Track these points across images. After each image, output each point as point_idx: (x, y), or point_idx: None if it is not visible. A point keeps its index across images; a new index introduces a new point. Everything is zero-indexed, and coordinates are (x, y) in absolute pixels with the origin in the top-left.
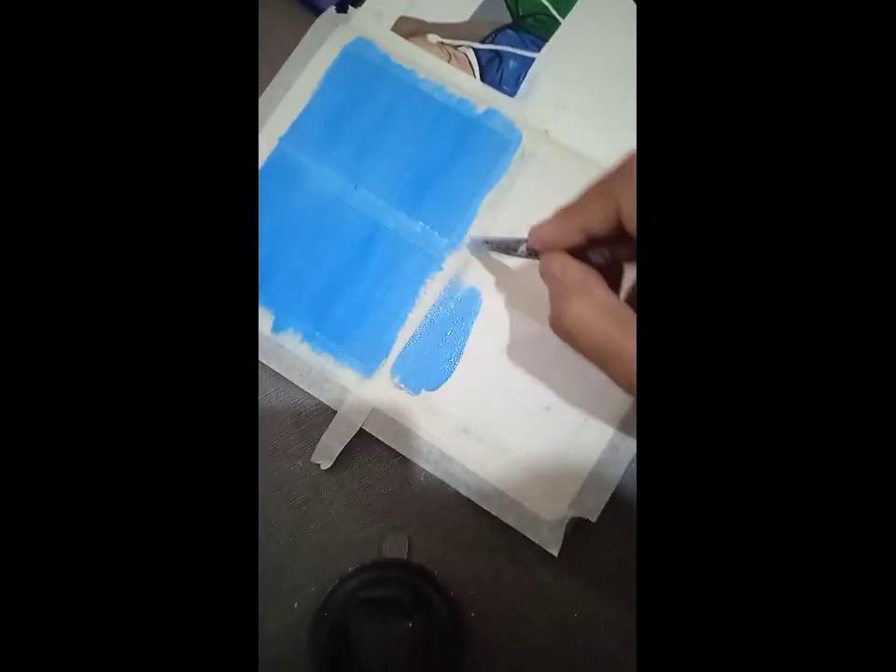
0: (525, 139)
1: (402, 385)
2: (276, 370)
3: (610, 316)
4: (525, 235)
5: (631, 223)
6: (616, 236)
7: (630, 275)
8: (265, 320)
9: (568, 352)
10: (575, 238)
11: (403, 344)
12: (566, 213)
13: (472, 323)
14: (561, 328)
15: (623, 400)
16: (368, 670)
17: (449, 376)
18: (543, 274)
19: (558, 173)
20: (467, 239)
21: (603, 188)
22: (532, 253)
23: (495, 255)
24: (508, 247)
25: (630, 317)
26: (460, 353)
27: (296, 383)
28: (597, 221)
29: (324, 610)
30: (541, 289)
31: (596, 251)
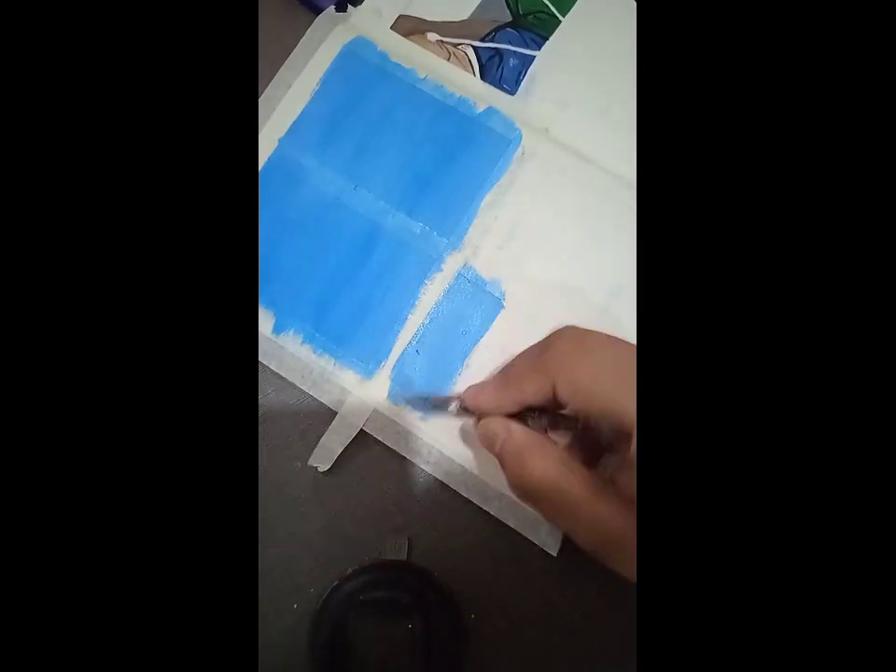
0: (525, 138)
1: (402, 387)
2: (277, 370)
3: (570, 470)
4: (446, 394)
5: (566, 398)
6: (552, 406)
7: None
8: (266, 321)
9: None
10: (512, 408)
11: (404, 346)
12: (502, 383)
13: (472, 324)
14: (523, 488)
15: None
16: (367, 671)
17: (449, 377)
18: (483, 437)
19: (558, 172)
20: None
21: (538, 363)
22: (463, 411)
23: (420, 413)
24: (436, 407)
25: (581, 470)
26: (460, 354)
27: (297, 384)
28: (533, 394)
29: (323, 612)
30: None
31: (534, 417)
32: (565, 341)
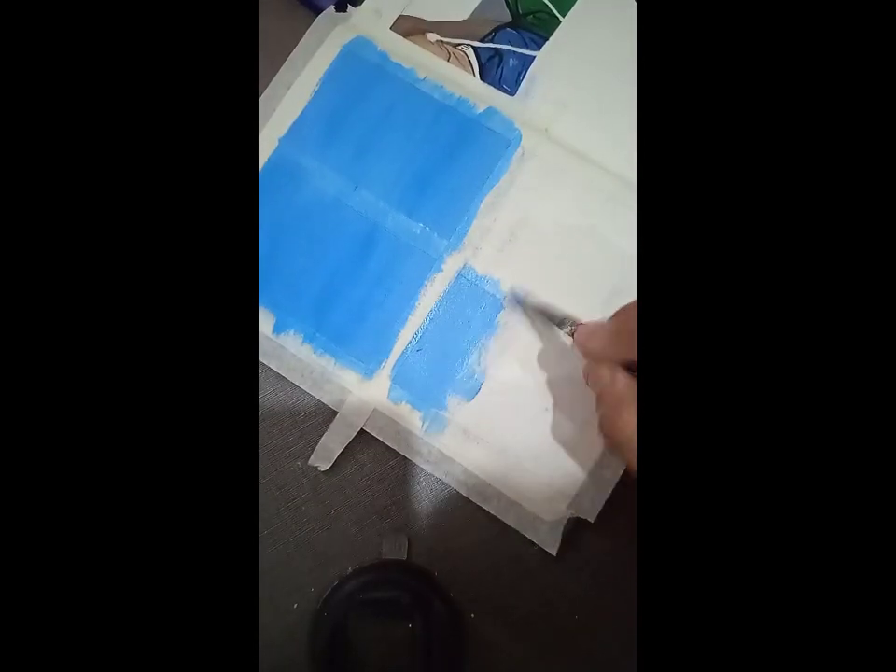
0: (525, 138)
1: (403, 387)
2: (277, 370)
3: None
4: (569, 312)
5: None
6: None
7: None
8: (266, 321)
9: (567, 354)
10: (619, 358)
11: (404, 346)
12: (615, 333)
13: (473, 324)
14: (614, 437)
15: None
16: (367, 671)
17: (449, 377)
18: (588, 378)
19: (558, 172)
20: (508, 293)
21: None
22: (573, 333)
23: (528, 317)
24: (551, 318)
25: None
26: (461, 354)
27: (297, 384)
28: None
29: (323, 611)
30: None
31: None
32: None
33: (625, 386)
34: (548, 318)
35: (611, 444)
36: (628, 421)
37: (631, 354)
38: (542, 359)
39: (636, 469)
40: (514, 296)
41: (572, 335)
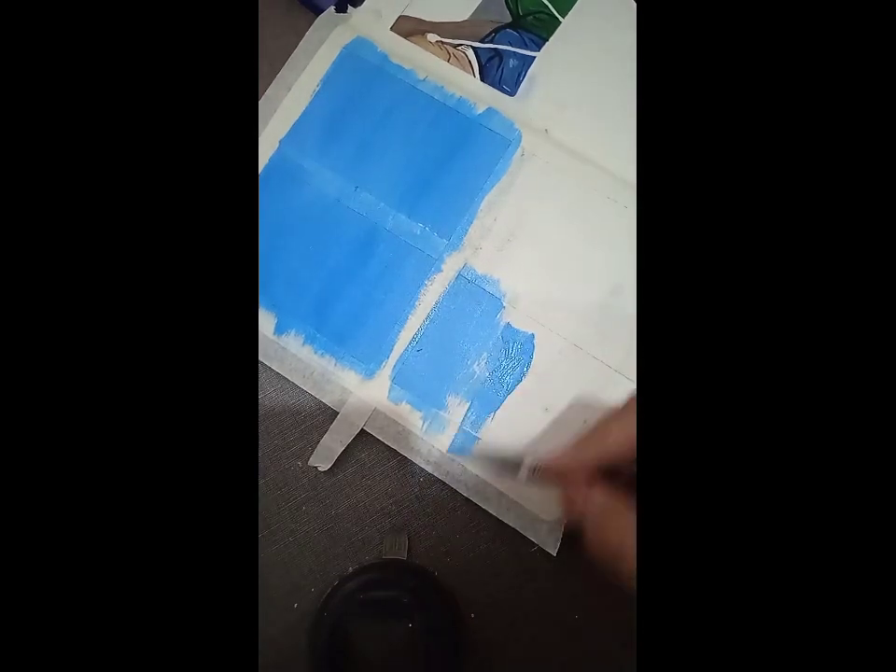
0: (525, 139)
1: (403, 387)
2: (279, 371)
3: None
4: (519, 456)
5: None
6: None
7: None
8: (267, 322)
9: (567, 352)
10: (593, 465)
11: (404, 346)
12: (585, 440)
13: (473, 324)
14: (604, 553)
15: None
16: (367, 671)
17: (450, 377)
18: (564, 503)
19: (558, 173)
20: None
21: (621, 414)
22: (533, 473)
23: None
24: (504, 470)
25: None
26: (461, 354)
27: (298, 384)
28: (618, 445)
29: (323, 611)
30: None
31: (618, 479)
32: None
33: (601, 499)
34: (501, 467)
35: (602, 562)
36: (616, 529)
37: (608, 451)
38: (542, 359)
39: (634, 579)
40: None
41: (532, 475)
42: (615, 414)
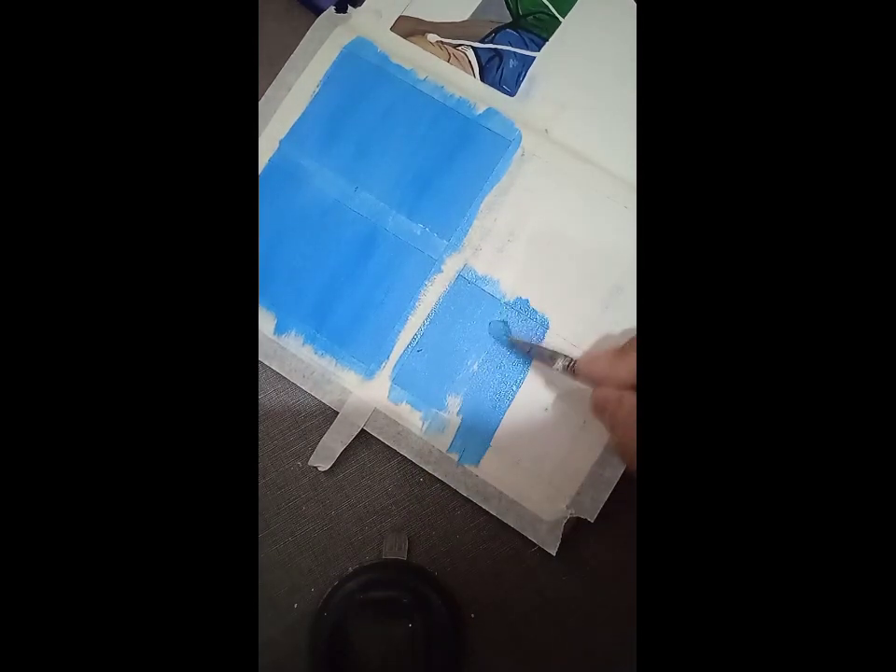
0: (525, 139)
1: (403, 387)
2: (279, 371)
3: None
4: (561, 350)
5: None
6: None
7: None
8: (267, 322)
9: (567, 353)
10: (627, 378)
11: (404, 346)
12: (621, 352)
13: (473, 325)
14: (633, 457)
15: None
16: (367, 671)
17: (449, 377)
18: (595, 404)
19: (558, 173)
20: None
21: None
22: (569, 372)
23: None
24: (541, 356)
25: None
26: (461, 354)
27: (298, 384)
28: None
29: (323, 611)
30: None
31: None
32: None
33: (633, 403)
34: (539, 356)
35: (632, 465)
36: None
37: (633, 375)
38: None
39: None
40: (498, 331)
41: (566, 370)
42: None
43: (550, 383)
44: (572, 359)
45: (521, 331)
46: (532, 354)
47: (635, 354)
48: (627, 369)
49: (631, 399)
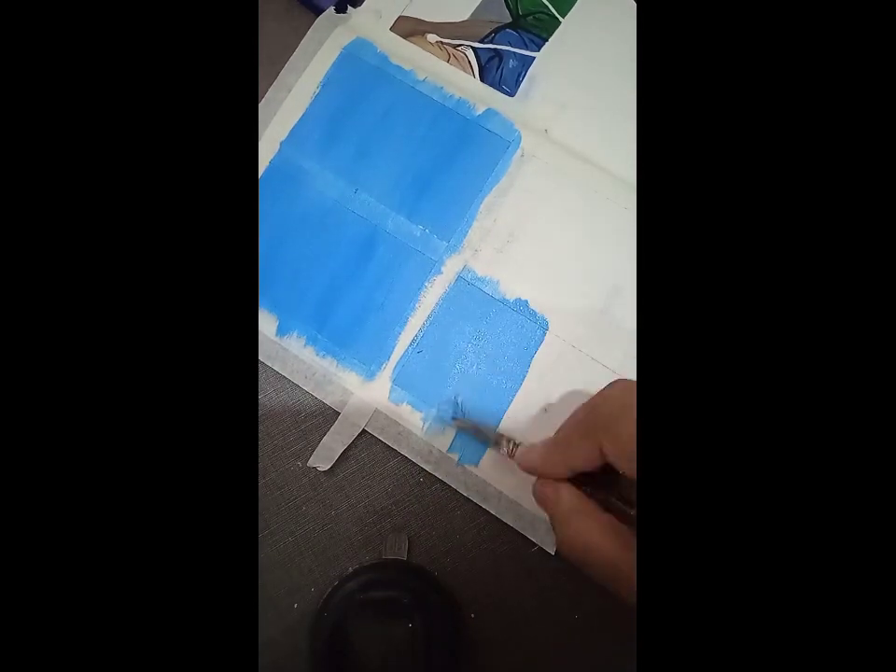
0: (525, 139)
1: (403, 388)
2: (280, 372)
3: (616, 535)
4: (498, 430)
5: (614, 460)
6: (603, 471)
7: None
8: (269, 323)
9: (566, 353)
10: (561, 473)
11: (404, 347)
12: (551, 448)
13: (473, 325)
14: (571, 552)
15: None
16: (367, 671)
17: (449, 378)
18: (536, 498)
19: (558, 173)
20: (443, 413)
21: (584, 427)
22: (511, 451)
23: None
24: (486, 438)
25: (631, 535)
26: (460, 355)
27: (301, 385)
28: (581, 459)
29: (323, 611)
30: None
31: (588, 485)
32: (610, 401)
33: (569, 499)
34: (482, 438)
35: (570, 561)
36: (580, 532)
37: (572, 464)
38: (541, 360)
39: (598, 581)
40: (443, 414)
41: (510, 455)
42: (576, 428)
43: (550, 383)
44: (515, 444)
45: (471, 412)
46: (478, 436)
47: (570, 443)
48: (561, 460)
49: (569, 493)
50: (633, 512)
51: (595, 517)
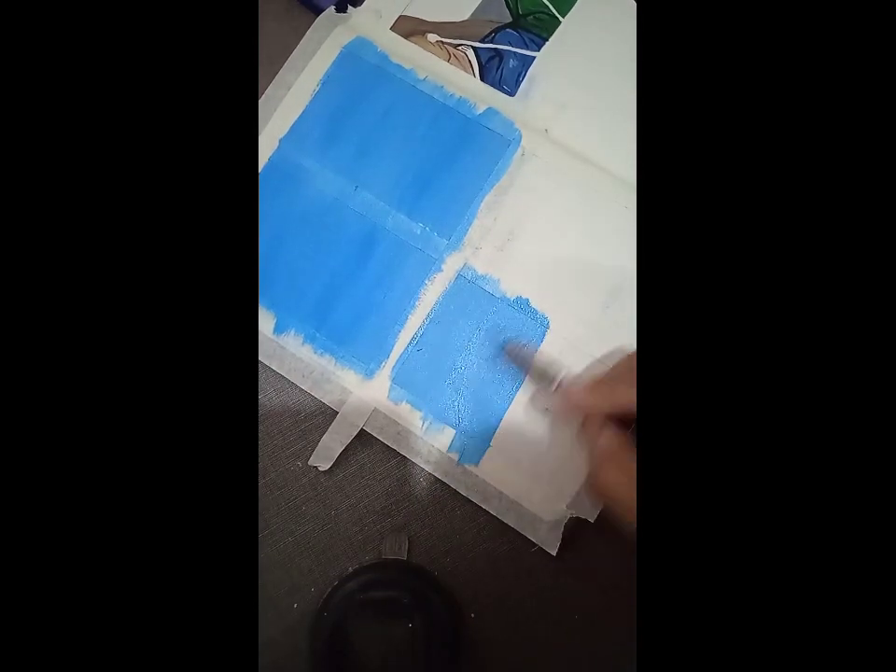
0: (525, 139)
1: (403, 387)
2: (278, 371)
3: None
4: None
5: None
6: None
7: None
8: (267, 322)
9: (567, 352)
10: (606, 406)
11: (404, 346)
12: (600, 381)
13: (473, 323)
14: (599, 494)
15: None
16: (367, 671)
17: (449, 377)
18: (580, 436)
19: (558, 173)
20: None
21: (629, 366)
22: (558, 389)
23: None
24: (540, 377)
25: None
26: (460, 353)
27: (298, 384)
28: (627, 396)
29: (323, 611)
30: None
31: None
32: None
33: (609, 439)
34: (531, 375)
35: (596, 499)
36: (609, 477)
37: (618, 399)
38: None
39: (631, 522)
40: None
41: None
42: (626, 364)
43: None
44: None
45: (471, 411)
46: (522, 365)
47: (619, 379)
48: (608, 394)
49: (610, 435)
50: None
51: (629, 470)
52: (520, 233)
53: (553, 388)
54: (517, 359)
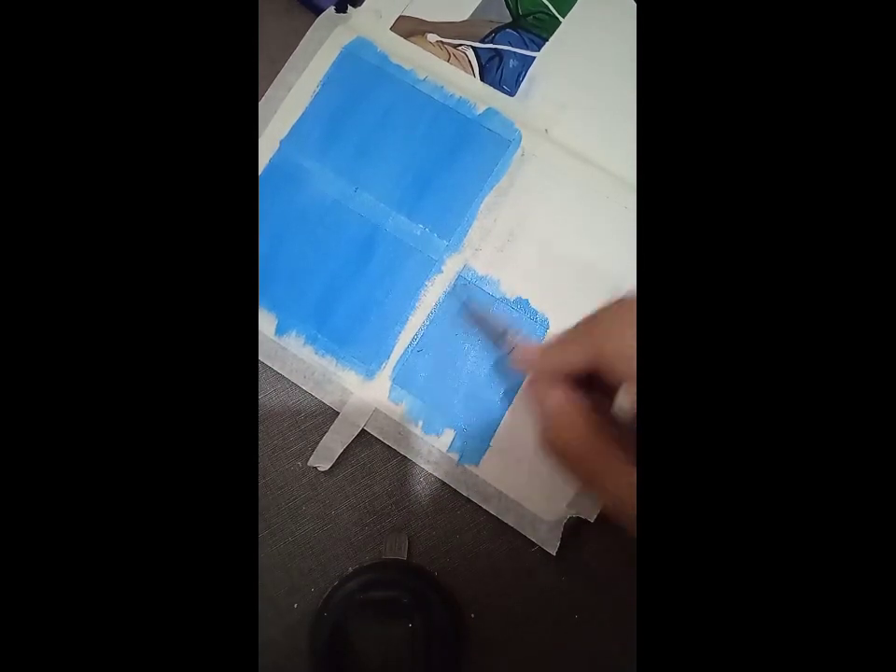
0: (525, 139)
1: (403, 388)
2: (280, 371)
3: (596, 440)
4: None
5: (614, 363)
6: (598, 376)
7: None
8: (268, 323)
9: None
10: (556, 367)
11: (404, 346)
12: (551, 344)
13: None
14: (546, 451)
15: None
16: (367, 671)
17: (449, 376)
18: (530, 395)
19: (558, 173)
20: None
21: (585, 329)
22: (513, 349)
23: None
24: (498, 338)
25: (615, 445)
26: (460, 354)
27: (300, 385)
28: (576, 357)
29: (323, 611)
30: None
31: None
32: (610, 313)
33: (559, 399)
34: (487, 333)
35: (548, 458)
36: (561, 435)
37: (568, 359)
38: None
39: (579, 481)
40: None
41: (513, 348)
42: (575, 330)
43: None
44: (516, 342)
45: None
46: (483, 328)
47: (569, 340)
48: (558, 357)
49: (559, 393)
50: (625, 420)
51: (579, 428)
52: (520, 234)
53: (510, 349)
54: (477, 320)
